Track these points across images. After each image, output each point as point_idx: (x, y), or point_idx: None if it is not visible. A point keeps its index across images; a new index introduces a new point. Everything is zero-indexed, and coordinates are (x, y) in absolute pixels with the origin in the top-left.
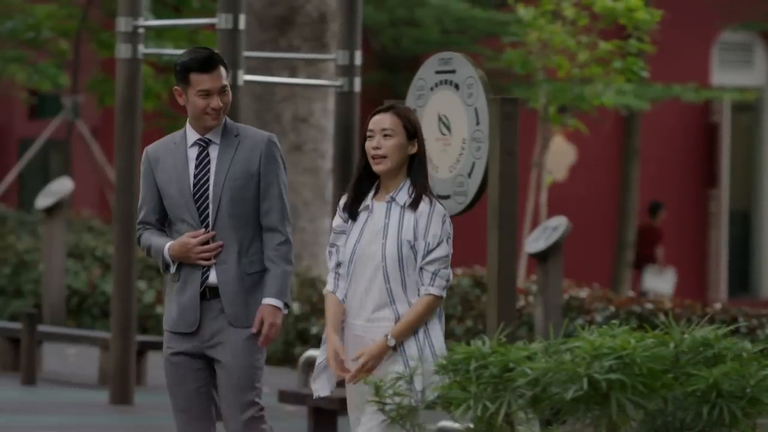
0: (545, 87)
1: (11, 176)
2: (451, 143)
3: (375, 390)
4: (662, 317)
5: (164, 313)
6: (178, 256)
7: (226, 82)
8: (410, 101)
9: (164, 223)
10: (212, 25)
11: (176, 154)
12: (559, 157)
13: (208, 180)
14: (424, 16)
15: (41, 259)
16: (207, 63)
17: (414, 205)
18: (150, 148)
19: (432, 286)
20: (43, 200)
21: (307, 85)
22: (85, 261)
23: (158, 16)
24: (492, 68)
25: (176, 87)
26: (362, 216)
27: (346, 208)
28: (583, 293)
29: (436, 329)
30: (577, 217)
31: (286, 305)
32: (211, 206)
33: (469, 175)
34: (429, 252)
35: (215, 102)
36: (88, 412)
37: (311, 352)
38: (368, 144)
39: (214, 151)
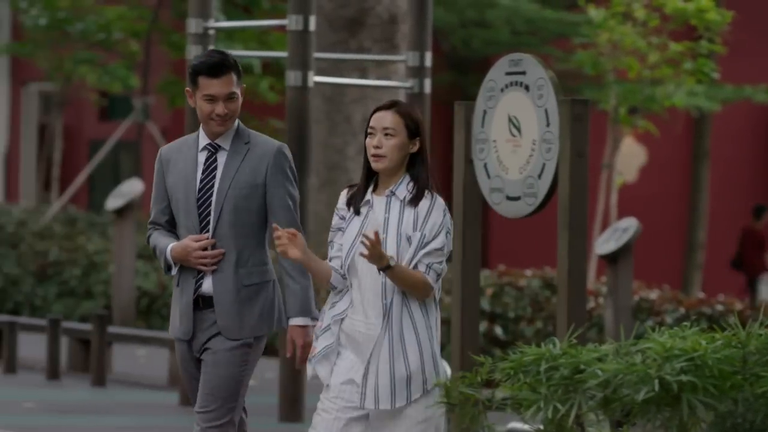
0: (615, 88)
1: (82, 178)
2: (521, 144)
3: (444, 391)
4: (732, 319)
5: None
6: (179, 259)
7: (235, 89)
8: (480, 103)
9: (174, 224)
10: (282, 27)
11: (187, 158)
12: (629, 158)
13: (212, 186)
14: (494, 18)
15: (111, 261)
16: (216, 67)
17: (415, 200)
18: (164, 149)
19: (427, 275)
20: (113, 201)
21: (377, 87)
22: (155, 262)
23: (228, 17)
24: (562, 69)
25: (187, 89)
26: (363, 211)
27: (349, 203)
28: (653, 295)
29: (435, 335)
30: (647, 218)
31: (314, 318)
32: (212, 213)
33: (539, 176)
34: (425, 244)
35: (220, 108)
36: (158, 413)
37: None
38: (369, 141)
39: (222, 157)
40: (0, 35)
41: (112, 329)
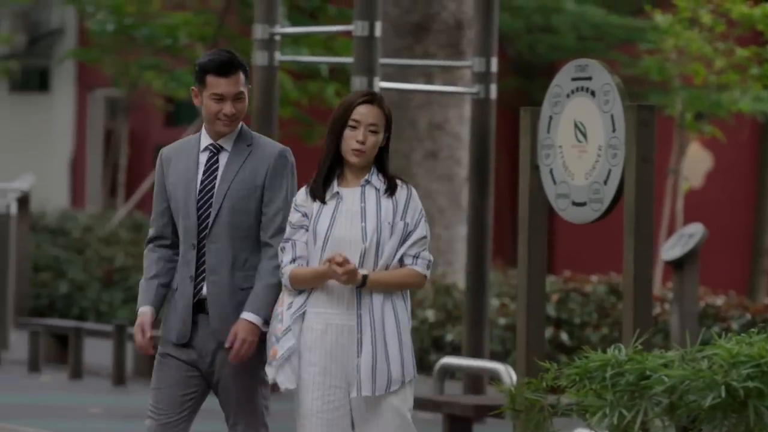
0: (682, 94)
1: (147, 183)
2: (587, 150)
3: (510, 397)
4: None
5: (164, 323)
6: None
7: (243, 88)
8: (546, 108)
9: (174, 227)
10: (348, 32)
11: (188, 158)
12: (695, 164)
13: (213, 187)
14: (560, 23)
15: None
16: (225, 66)
17: (391, 190)
18: (165, 149)
19: (415, 264)
20: None
21: (443, 92)
22: None
23: (294, 23)
24: (628, 75)
25: (193, 87)
26: (330, 203)
27: (315, 197)
28: (719, 301)
29: (409, 341)
30: (713, 224)
31: (266, 322)
32: (211, 213)
33: (605, 182)
34: (409, 234)
35: (228, 108)
36: (221, 417)
37: (447, 360)
38: (351, 134)
39: (223, 158)
40: (66, 41)
41: None
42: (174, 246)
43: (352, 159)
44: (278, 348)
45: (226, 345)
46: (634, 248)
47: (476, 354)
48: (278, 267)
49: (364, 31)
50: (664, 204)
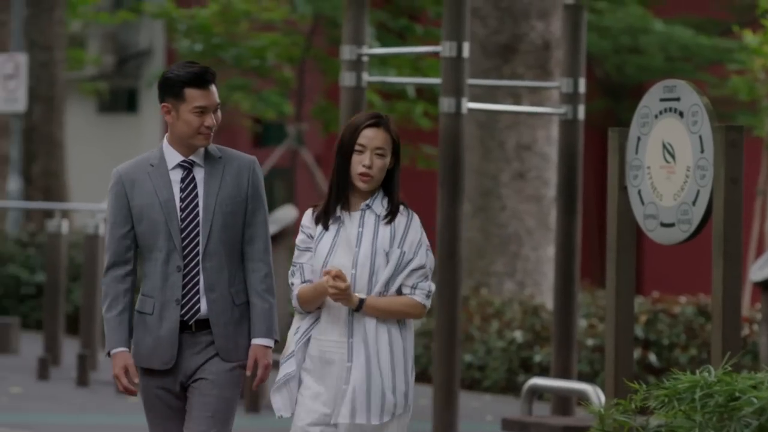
0: None
1: None
2: (675, 171)
3: (599, 418)
4: None
5: (132, 348)
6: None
7: (218, 100)
8: (634, 129)
9: (135, 251)
10: (436, 53)
11: (156, 176)
12: None
13: (197, 205)
14: (648, 44)
15: None
16: (203, 77)
17: (391, 216)
18: (122, 169)
19: (414, 295)
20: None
21: (531, 113)
22: None
23: (382, 44)
24: (717, 95)
25: (165, 103)
26: (332, 229)
27: (318, 220)
28: None
29: (410, 357)
30: None
31: (276, 341)
32: (201, 232)
33: (694, 203)
34: (407, 264)
35: (210, 120)
36: None
37: (535, 380)
38: (357, 158)
39: (199, 174)
40: (154, 62)
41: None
42: (135, 272)
43: (360, 184)
44: (279, 372)
45: (248, 373)
46: (723, 269)
47: (564, 375)
48: (273, 285)
49: (452, 51)
50: (753, 225)
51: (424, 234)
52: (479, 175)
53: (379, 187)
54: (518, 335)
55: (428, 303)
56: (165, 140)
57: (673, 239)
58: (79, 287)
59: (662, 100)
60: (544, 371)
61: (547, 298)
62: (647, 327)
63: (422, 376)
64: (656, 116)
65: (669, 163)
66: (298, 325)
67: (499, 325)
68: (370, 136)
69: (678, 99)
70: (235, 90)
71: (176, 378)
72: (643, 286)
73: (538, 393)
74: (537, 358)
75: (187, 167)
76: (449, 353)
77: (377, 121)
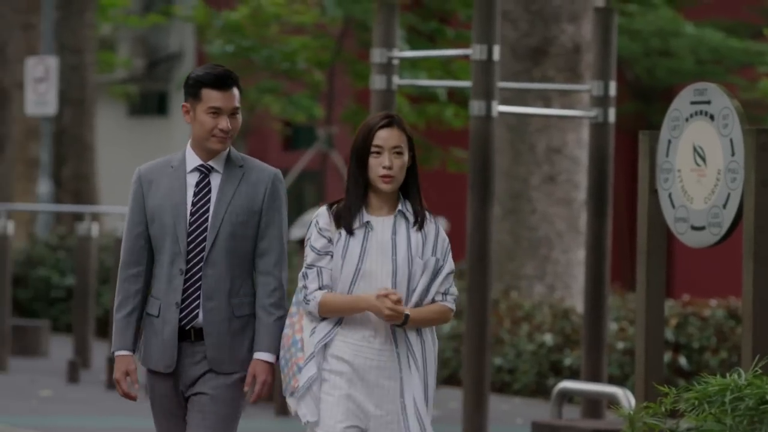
0: None
1: None
2: (706, 174)
3: (629, 421)
4: None
5: (142, 349)
6: (115, 367)
7: (239, 104)
8: (665, 132)
9: (150, 254)
10: (466, 56)
11: (173, 179)
12: None
13: (207, 210)
14: (678, 47)
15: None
16: (222, 79)
17: (421, 222)
18: (143, 169)
19: (445, 301)
20: (297, 231)
21: (561, 116)
22: None
23: (413, 46)
24: (747, 98)
25: (185, 103)
26: (358, 234)
27: (339, 224)
28: None
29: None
30: None
31: (277, 358)
32: (208, 238)
33: (724, 206)
34: (438, 270)
35: (224, 123)
36: None
37: (565, 384)
38: (376, 161)
39: (215, 180)
40: (185, 65)
41: None
42: (149, 272)
43: (382, 186)
44: (300, 378)
45: (245, 387)
46: (754, 272)
47: (595, 378)
48: (284, 299)
49: (482, 54)
50: None
51: (447, 239)
52: (509, 178)
53: (416, 187)
54: (548, 338)
55: (455, 307)
56: (189, 143)
57: (704, 242)
58: (108, 290)
59: (693, 103)
60: (574, 374)
61: (577, 302)
62: (677, 330)
63: (452, 379)
64: (687, 119)
65: (699, 166)
66: (314, 326)
67: (529, 328)
68: (385, 137)
69: (708, 102)
70: (265, 93)
71: (178, 384)
72: (674, 289)
73: (568, 396)
74: (567, 361)
75: (204, 172)
76: (479, 356)
77: (390, 121)
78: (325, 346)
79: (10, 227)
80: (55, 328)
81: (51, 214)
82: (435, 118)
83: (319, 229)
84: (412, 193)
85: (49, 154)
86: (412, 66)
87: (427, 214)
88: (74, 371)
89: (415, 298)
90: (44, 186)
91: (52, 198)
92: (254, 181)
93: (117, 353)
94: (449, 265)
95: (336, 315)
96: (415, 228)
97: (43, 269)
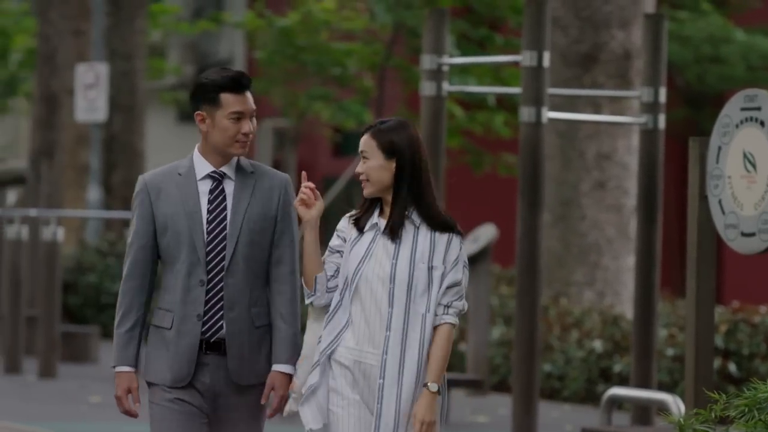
0: None
1: None
2: (756, 181)
3: (679, 428)
4: None
5: (144, 363)
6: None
7: (254, 106)
8: (715, 138)
9: (154, 264)
10: (516, 63)
11: (184, 186)
12: None
13: (224, 218)
14: (729, 53)
15: None
16: (240, 82)
17: (394, 228)
18: (148, 177)
19: (446, 314)
20: None
21: (611, 123)
22: None
23: (463, 52)
24: None
25: (199, 111)
26: (368, 235)
27: (356, 224)
28: None
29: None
30: None
31: (295, 370)
32: (227, 247)
33: None
34: (443, 279)
35: (247, 126)
36: None
37: (614, 390)
38: None
39: (229, 187)
40: None
41: None
42: (152, 285)
43: (364, 190)
44: (297, 380)
45: (263, 401)
46: None
47: (644, 384)
48: (298, 309)
49: (532, 61)
50: None
51: (464, 250)
52: (559, 184)
53: (409, 195)
54: (598, 345)
55: (458, 321)
56: (196, 150)
57: (754, 249)
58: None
59: (743, 109)
60: (623, 381)
61: (626, 308)
62: (727, 337)
63: (502, 386)
64: (737, 125)
65: (750, 172)
66: (320, 333)
67: (578, 334)
68: (360, 141)
69: (759, 108)
70: (315, 99)
71: (195, 395)
72: (723, 295)
73: (617, 403)
74: (617, 367)
75: (216, 178)
76: (529, 363)
77: (365, 128)
78: (331, 354)
79: (60, 234)
80: (105, 334)
81: (101, 220)
82: (485, 125)
83: (336, 230)
84: (419, 199)
85: (98, 161)
86: (462, 72)
87: (447, 221)
88: None
89: (414, 311)
90: (94, 192)
91: (102, 204)
92: (268, 187)
93: (118, 369)
94: (453, 276)
95: (306, 265)
96: (424, 233)
97: (92, 275)
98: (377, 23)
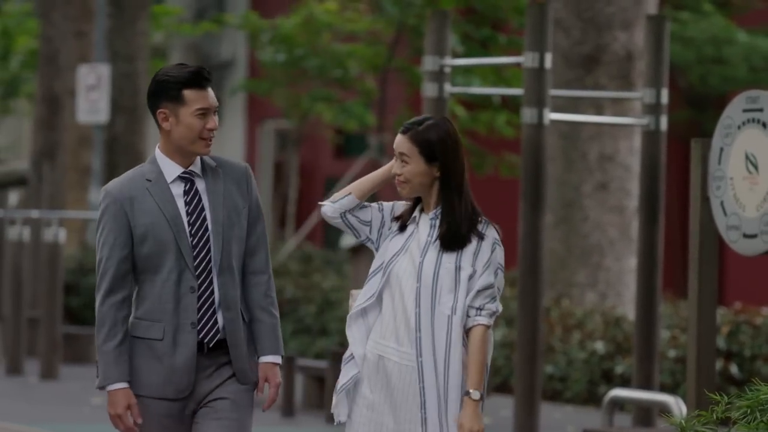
0: None
1: (317, 215)
2: (758, 182)
3: (680, 430)
4: None
5: (132, 375)
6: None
7: (217, 102)
8: (717, 139)
9: (133, 281)
10: (518, 64)
11: (157, 193)
12: None
13: (204, 218)
14: (731, 54)
15: (347, 298)
16: (202, 77)
17: (456, 228)
18: (114, 188)
19: (479, 316)
20: (348, 239)
21: (613, 124)
22: None
23: (466, 52)
24: None
25: (161, 109)
26: (409, 229)
27: (398, 220)
28: None
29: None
30: None
31: (282, 357)
32: (213, 247)
33: None
34: (473, 284)
35: (212, 122)
36: None
37: (616, 392)
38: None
39: (201, 185)
40: (236, 73)
41: None
42: (131, 297)
43: (399, 191)
44: (341, 375)
45: (259, 393)
46: None
47: (646, 386)
48: (275, 300)
49: (534, 62)
50: None
51: (499, 253)
52: (561, 185)
53: (440, 192)
54: (600, 346)
55: (492, 322)
56: (158, 151)
57: (756, 250)
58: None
59: (745, 110)
60: (625, 382)
61: (628, 309)
62: (729, 338)
63: (504, 387)
64: (739, 127)
65: (752, 173)
66: (355, 329)
67: (580, 336)
68: (396, 141)
69: (761, 110)
70: (317, 101)
71: (187, 405)
72: (725, 297)
73: (619, 404)
74: (618, 369)
75: (188, 179)
76: (531, 364)
77: (404, 128)
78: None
79: (62, 235)
80: None
81: None
82: (488, 125)
83: (381, 204)
84: (448, 202)
85: (101, 162)
86: (465, 71)
87: (481, 223)
88: None
89: (440, 312)
90: (96, 194)
91: None
92: (236, 179)
93: (113, 387)
94: (486, 278)
95: (359, 182)
96: (453, 234)
97: (94, 277)
98: (382, 20)
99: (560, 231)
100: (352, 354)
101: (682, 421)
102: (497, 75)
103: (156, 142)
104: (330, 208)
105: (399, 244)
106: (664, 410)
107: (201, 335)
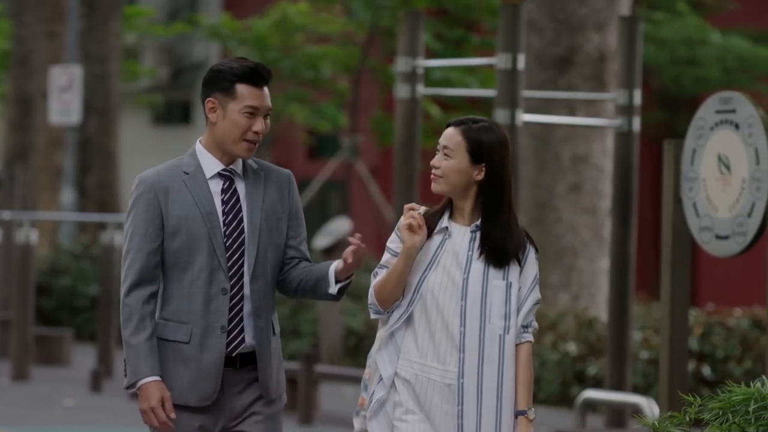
0: None
1: None
2: (730, 183)
3: (653, 431)
4: None
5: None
6: (142, 397)
7: (271, 104)
8: (690, 141)
9: (161, 276)
10: (491, 65)
11: (194, 186)
12: None
13: (241, 219)
14: (705, 56)
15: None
16: (260, 74)
17: (502, 241)
18: (151, 176)
19: (526, 333)
20: (321, 240)
21: (586, 125)
22: (363, 301)
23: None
24: None
25: (211, 98)
26: (436, 239)
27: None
28: None
29: None
30: None
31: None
32: (247, 250)
33: (749, 215)
34: (524, 300)
35: (260, 125)
36: None
37: (589, 393)
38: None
39: (240, 186)
40: None
41: (319, 368)
42: (157, 293)
43: (432, 185)
44: (366, 396)
45: (349, 259)
46: None
47: (619, 387)
48: None
49: (507, 63)
50: None
51: (537, 266)
52: (534, 187)
53: (474, 201)
54: (572, 348)
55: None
56: (199, 145)
57: (729, 251)
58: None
59: (718, 112)
60: (598, 384)
61: (601, 311)
62: (702, 339)
63: None
64: (712, 128)
65: (724, 175)
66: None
67: (553, 337)
68: (445, 133)
69: (734, 111)
70: (290, 102)
71: (217, 417)
72: (698, 298)
73: (592, 405)
74: (591, 370)
75: (228, 177)
76: None
77: (459, 122)
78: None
79: (34, 236)
80: (79, 337)
81: (75, 223)
82: None
83: (397, 228)
84: (491, 210)
85: (73, 163)
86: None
87: (524, 237)
88: (98, 380)
89: (490, 330)
90: (68, 195)
91: (76, 207)
92: (277, 184)
93: (146, 381)
94: (534, 295)
95: (390, 290)
96: (498, 248)
97: (66, 278)
98: (354, 23)
99: (533, 232)
100: (380, 375)
101: (655, 423)
102: (471, 74)
103: (128, 143)
104: (385, 317)
105: (427, 258)
106: (637, 411)
107: (228, 340)
